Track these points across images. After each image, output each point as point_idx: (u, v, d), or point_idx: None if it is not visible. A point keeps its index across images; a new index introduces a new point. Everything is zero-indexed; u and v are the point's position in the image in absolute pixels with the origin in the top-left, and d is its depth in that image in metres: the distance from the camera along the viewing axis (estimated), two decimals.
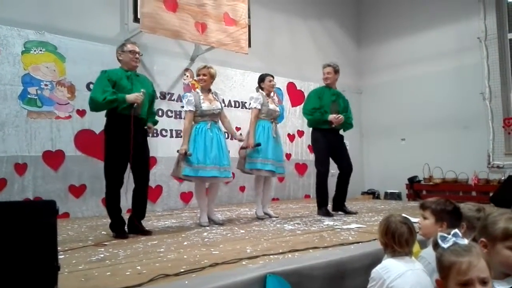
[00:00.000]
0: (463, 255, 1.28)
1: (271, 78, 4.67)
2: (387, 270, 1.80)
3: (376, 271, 1.83)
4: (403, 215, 2.00)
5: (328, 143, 4.71)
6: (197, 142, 3.96)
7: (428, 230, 2.13)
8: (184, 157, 3.91)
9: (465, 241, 1.35)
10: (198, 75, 4.21)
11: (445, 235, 1.36)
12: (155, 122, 3.92)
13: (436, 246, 1.39)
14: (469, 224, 2.21)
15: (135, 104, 3.43)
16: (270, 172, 4.49)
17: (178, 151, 4.01)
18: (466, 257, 1.27)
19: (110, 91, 3.39)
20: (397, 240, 1.86)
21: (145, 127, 3.69)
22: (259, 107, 4.50)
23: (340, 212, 4.80)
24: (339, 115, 4.66)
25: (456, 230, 1.38)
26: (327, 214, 4.60)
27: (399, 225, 1.88)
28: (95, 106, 3.46)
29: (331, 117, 4.62)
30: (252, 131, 4.42)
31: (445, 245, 1.34)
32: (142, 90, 3.51)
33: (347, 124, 4.90)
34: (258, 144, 4.35)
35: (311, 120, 4.83)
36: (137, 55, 3.66)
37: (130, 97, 3.41)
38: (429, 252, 2.02)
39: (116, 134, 3.46)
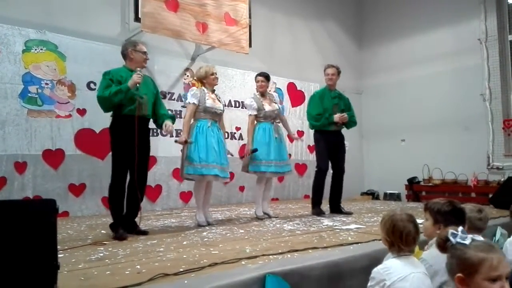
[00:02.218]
0: (492, 251, 1.31)
1: (259, 78, 4.64)
2: (388, 271, 1.78)
3: (377, 270, 1.82)
4: (406, 212, 1.94)
5: (329, 144, 4.79)
6: (199, 141, 3.96)
7: (428, 231, 2.14)
8: (185, 145, 3.90)
9: (481, 238, 1.36)
10: (212, 73, 4.18)
11: (456, 232, 1.37)
12: (173, 118, 3.82)
13: (444, 244, 1.40)
14: (470, 225, 2.21)
15: (139, 85, 3.39)
16: (274, 173, 4.53)
17: (175, 141, 4.01)
18: (496, 253, 1.31)
19: (113, 86, 3.37)
20: (404, 238, 1.82)
21: (156, 126, 3.69)
22: (254, 113, 4.52)
23: (336, 213, 4.82)
24: (344, 113, 4.73)
25: (461, 227, 1.39)
26: (320, 213, 4.67)
27: (406, 223, 1.85)
28: (104, 102, 3.41)
29: (336, 117, 4.70)
30: (249, 139, 4.46)
31: (466, 242, 1.35)
32: (137, 68, 3.46)
33: (351, 122, 4.97)
34: (255, 150, 4.38)
35: (318, 126, 4.85)
36: (147, 56, 3.67)
37: (130, 82, 3.36)
38: (430, 255, 2.02)
39: (120, 134, 3.45)
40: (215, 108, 4.13)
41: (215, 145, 4.01)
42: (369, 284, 1.83)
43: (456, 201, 2.16)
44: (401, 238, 1.83)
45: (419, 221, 2.00)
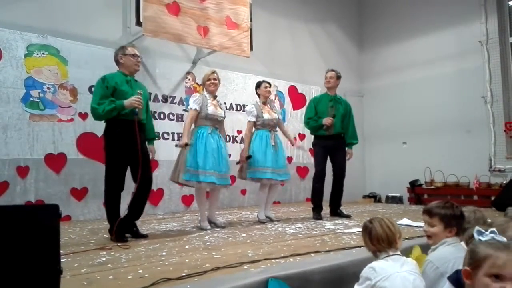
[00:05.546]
0: (502, 250, 1.28)
1: (267, 85, 4.70)
2: (373, 271, 1.82)
3: (364, 270, 1.87)
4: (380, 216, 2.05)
5: (326, 148, 4.84)
6: (198, 147, 3.94)
7: (438, 237, 2.08)
8: (184, 149, 3.92)
9: (504, 239, 1.35)
10: (208, 79, 4.17)
11: (482, 230, 1.37)
12: (154, 138, 3.93)
13: (470, 240, 1.42)
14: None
15: (136, 109, 3.38)
16: (270, 180, 4.48)
17: (176, 145, 4.03)
18: (505, 252, 1.27)
19: (107, 100, 3.35)
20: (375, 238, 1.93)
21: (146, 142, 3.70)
22: (253, 120, 4.56)
23: (336, 216, 4.83)
24: (329, 118, 4.71)
25: (494, 229, 1.37)
26: (319, 218, 4.67)
27: (374, 225, 1.97)
28: (96, 116, 3.45)
29: (324, 120, 4.72)
30: (246, 145, 4.50)
31: (483, 238, 1.34)
32: (138, 91, 3.45)
33: (352, 140, 4.97)
34: (249, 157, 4.40)
35: (309, 129, 5.08)
36: (138, 58, 3.61)
37: (127, 102, 3.34)
38: (436, 256, 2.01)
39: (116, 139, 3.41)
40: (217, 115, 4.12)
41: (214, 152, 3.98)
42: (357, 283, 1.87)
43: (452, 202, 2.16)
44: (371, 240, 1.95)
45: (415, 224, 2.00)
